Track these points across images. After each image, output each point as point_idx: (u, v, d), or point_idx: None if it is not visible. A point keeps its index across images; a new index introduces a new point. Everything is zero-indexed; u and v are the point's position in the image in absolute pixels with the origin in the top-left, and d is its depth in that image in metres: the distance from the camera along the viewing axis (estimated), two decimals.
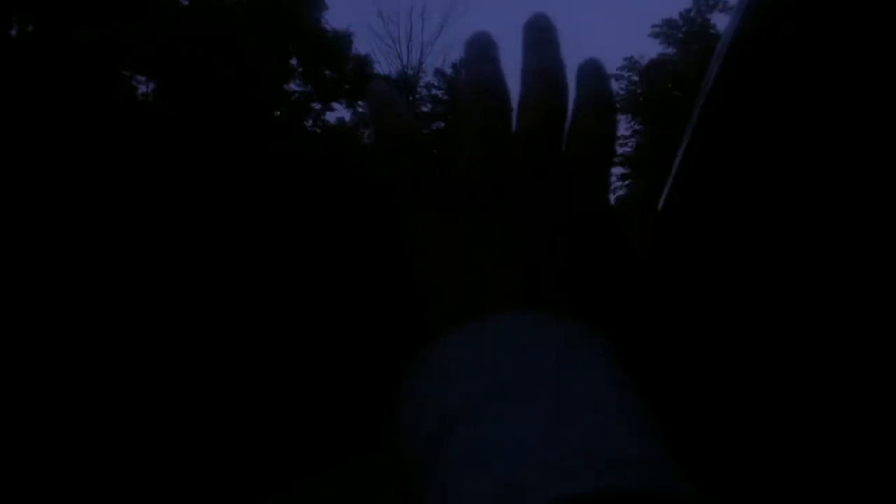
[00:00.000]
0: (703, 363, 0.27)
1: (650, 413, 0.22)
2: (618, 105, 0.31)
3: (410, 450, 0.23)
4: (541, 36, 0.30)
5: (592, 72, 0.31)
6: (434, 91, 20.68)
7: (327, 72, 12.69)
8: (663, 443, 0.21)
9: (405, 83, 17.66)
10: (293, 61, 12.09)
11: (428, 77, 19.33)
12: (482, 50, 0.30)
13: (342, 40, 12.96)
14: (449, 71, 20.29)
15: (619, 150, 21.99)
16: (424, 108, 19.95)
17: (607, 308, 0.27)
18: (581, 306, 0.25)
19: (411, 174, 0.29)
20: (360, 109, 13.59)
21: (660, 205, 0.33)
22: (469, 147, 0.28)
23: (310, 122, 12.46)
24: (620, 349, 0.24)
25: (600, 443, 0.19)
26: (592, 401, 0.21)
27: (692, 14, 19.44)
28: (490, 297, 0.25)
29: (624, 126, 21.76)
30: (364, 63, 13.82)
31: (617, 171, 22.36)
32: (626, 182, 22.11)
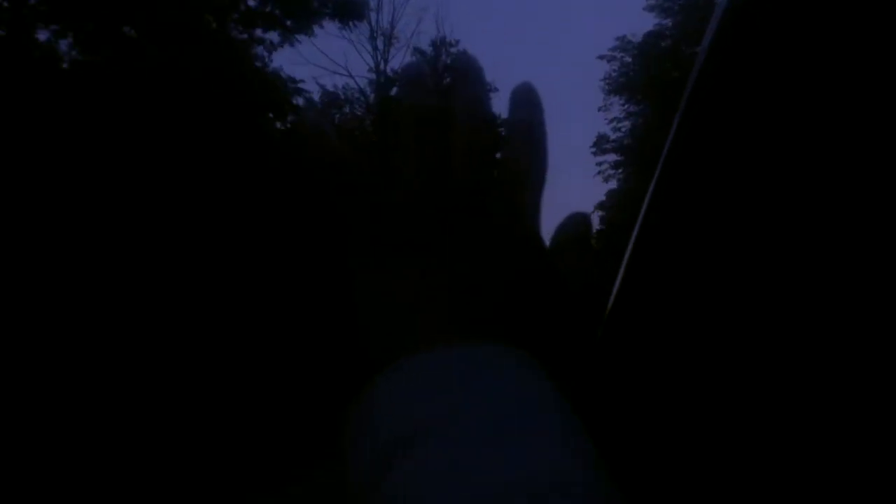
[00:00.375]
0: (690, 370, 0.27)
1: (587, 437, 0.25)
2: (546, 134, 0.34)
3: (358, 470, 0.25)
4: (468, 74, 0.34)
5: (524, 98, 0.34)
6: None
7: None
8: (599, 465, 0.24)
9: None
10: None
11: (400, 45, 19.02)
12: (418, 78, 0.33)
13: None
14: (429, 49, 20.21)
15: (613, 136, 22.22)
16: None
17: (540, 335, 0.29)
18: (515, 335, 0.28)
19: (348, 211, 0.31)
20: (297, 42, 11.95)
21: (647, 197, 0.33)
22: (404, 183, 0.32)
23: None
24: (554, 374, 0.27)
25: (541, 467, 0.22)
26: (533, 427, 0.24)
27: None
28: (429, 331, 0.28)
29: (618, 109, 21.97)
30: None
31: (610, 158, 22.60)
32: (619, 171, 22.33)
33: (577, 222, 0.33)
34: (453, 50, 20.63)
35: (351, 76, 25.09)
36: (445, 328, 0.28)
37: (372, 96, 18.13)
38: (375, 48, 19.02)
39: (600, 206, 24.14)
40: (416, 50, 20.34)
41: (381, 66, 18.66)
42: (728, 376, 0.26)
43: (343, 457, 0.27)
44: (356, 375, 0.28)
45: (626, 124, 21.84)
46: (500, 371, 0.26)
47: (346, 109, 17.45)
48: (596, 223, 25.37)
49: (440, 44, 19.86)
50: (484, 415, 0.24)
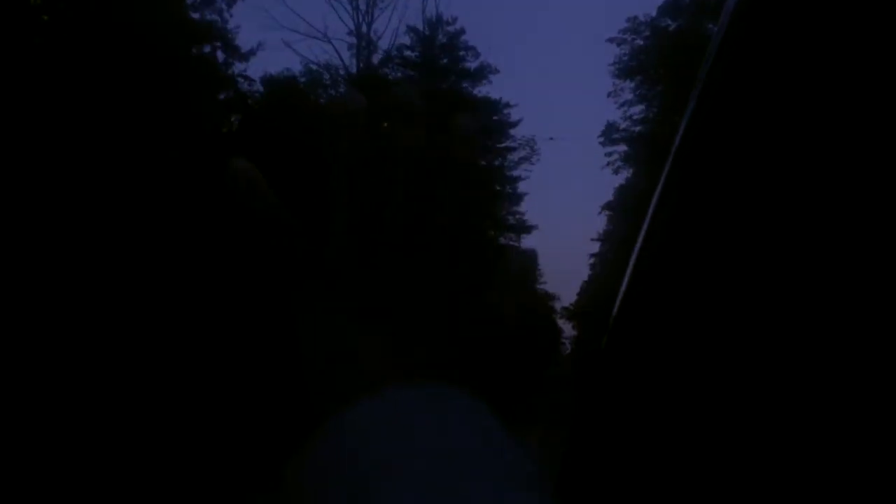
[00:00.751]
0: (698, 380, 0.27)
1: (536, 469, 0.27)
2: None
3: None
4: (411, 118, 0.36)
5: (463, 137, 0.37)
6: (406, 52, 20.54)
7: None
8: (551, 499, 0.27)
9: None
10: None
11: (384, 3, 18.61)
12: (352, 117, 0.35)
13: None
14: (423, 28, 20.11)
15: (623, 125, 22.18)
16: (392, 73, 19.73)
17: (482, 374, 0.32)
18: (458, 375, 0.31)
19: (284, 261, 0.34)
20: None
21: (656, 193, 0.33)
22: (337, 224, 0.34)
23: None
24: (497, 411, 0.30)
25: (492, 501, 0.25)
26: (484, 467, 0.26)
27: None
28: (373, 374, 0.31)
29: (628, 93, 21.94)
30: None
31: (620, 149, 22.56)
32: (628, 163, 22.28)
33: (522, 259, 0.36)
34: (450, 29, 20.54)
35: (329, 41, 24.87)
36: (389, 370, 0.31)
37: (353, 63, 17.95)
38: (356, 8, 18.77)
39: (607, 206, 24.12)
40: (410, 28, 20.23)
41: (364, 28, 18.45)
42: (744, 382, 0.26)
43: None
44: (303, 421, 0.31)
45: (637, 110, 21.82)
46: (446, 411, 0.29)
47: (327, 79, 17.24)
48: (603, 224, 25.38)
49: (436, 22, 19.74)
50: (434, 456, 0.27)
